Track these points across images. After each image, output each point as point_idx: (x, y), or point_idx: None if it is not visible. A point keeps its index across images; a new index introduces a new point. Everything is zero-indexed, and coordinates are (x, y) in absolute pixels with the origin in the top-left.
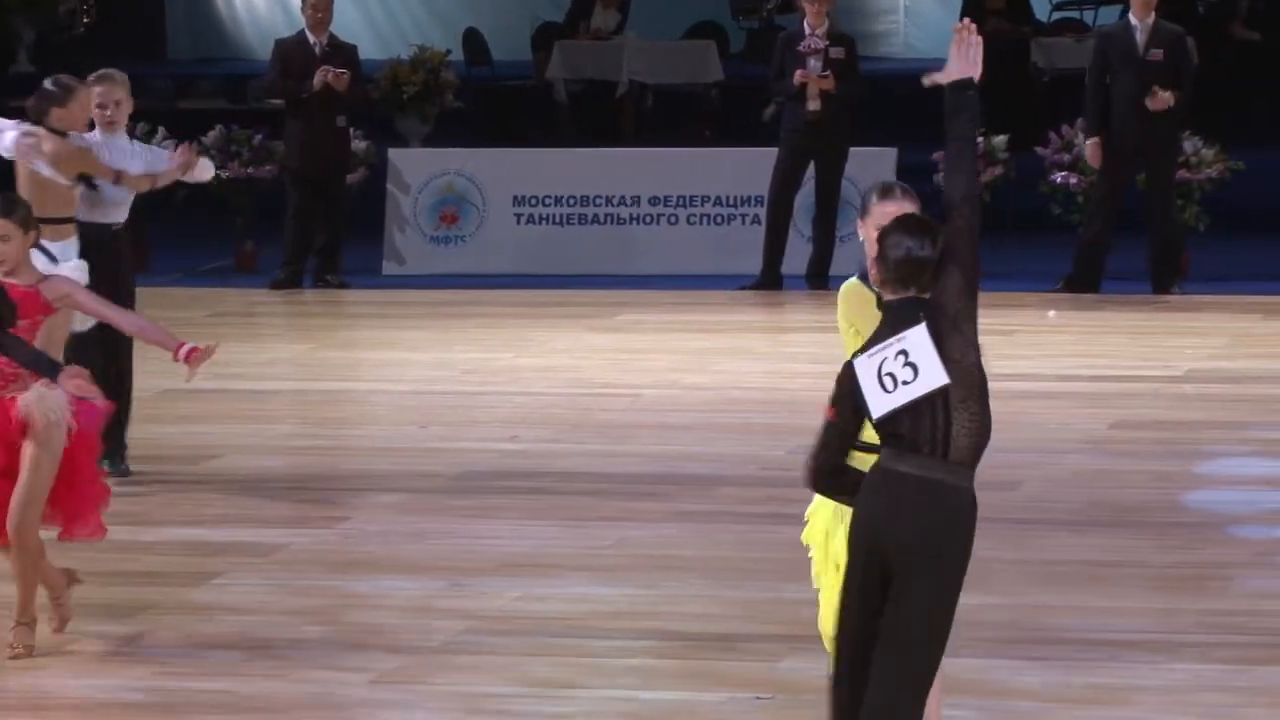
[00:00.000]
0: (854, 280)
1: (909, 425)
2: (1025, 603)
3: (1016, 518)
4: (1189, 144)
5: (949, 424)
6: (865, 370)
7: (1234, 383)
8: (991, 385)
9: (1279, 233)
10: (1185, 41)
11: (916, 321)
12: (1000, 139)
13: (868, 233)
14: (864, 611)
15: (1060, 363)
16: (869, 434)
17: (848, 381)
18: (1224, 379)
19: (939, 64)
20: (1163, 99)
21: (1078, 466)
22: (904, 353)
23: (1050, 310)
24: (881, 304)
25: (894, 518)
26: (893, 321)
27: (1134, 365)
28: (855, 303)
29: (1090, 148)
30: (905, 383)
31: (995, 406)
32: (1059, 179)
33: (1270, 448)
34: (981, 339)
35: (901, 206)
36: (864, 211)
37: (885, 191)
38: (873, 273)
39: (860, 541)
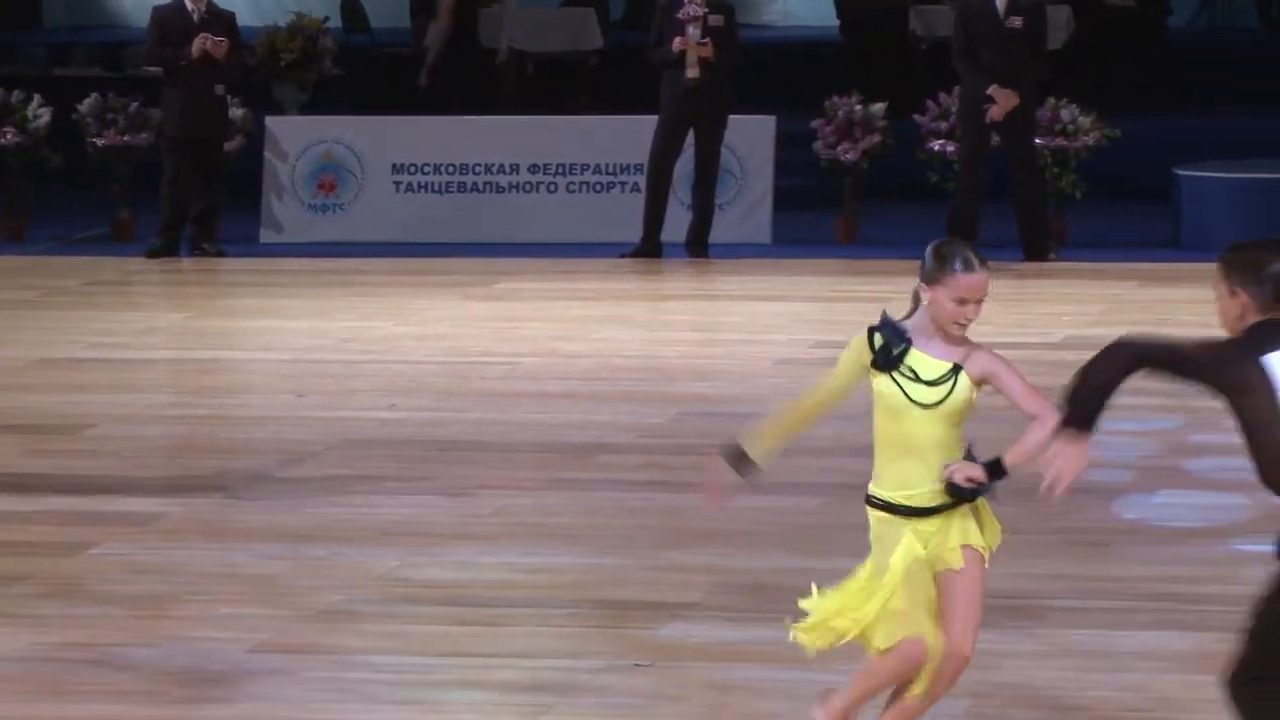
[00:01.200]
0: (861, 338)
1: None
2: None
3: None
4: (1066, 112)
5: None
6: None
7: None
8: None
9: (1156, 199)
10: (1043, 9)
11: None
12: (878, 106)
13: (936, 297)
14: None
15: None
16: (888, 493)
17: (1240, 366)
18: (1101, 345)
19: (819, 31)
20: (999, 109)
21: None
22: None
23: None
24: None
25: None
26: None
27: (1012, 332)
28: (851, 348)
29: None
30: None
31: None
32: (936, 146)
33: (1148, 414)
34: (860, 306)
35: (984, 277)
36: (936, 279)
37: (962, 259)
38: (954, 330)
39: None
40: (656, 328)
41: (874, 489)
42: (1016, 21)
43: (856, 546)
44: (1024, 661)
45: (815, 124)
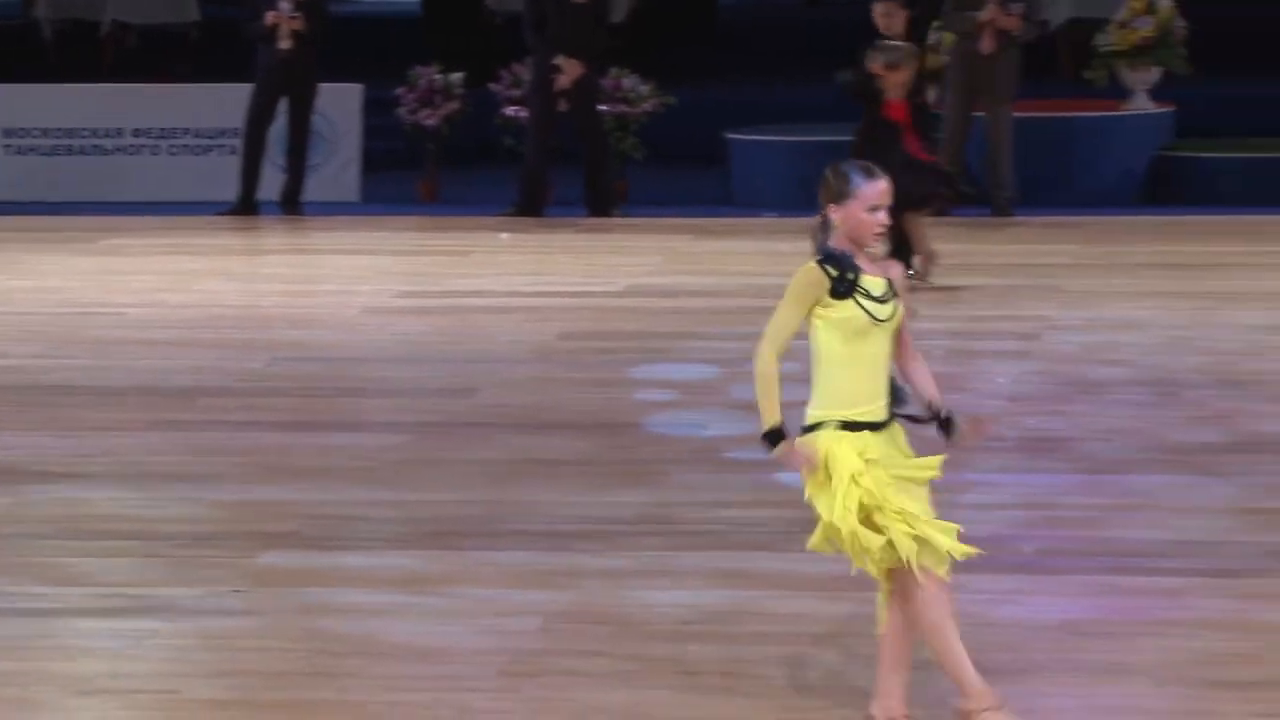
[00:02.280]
0: (811, 267)
1: None
2: (486, 498)
3: (474, 421)
4: (627, 81)
5: None
6: None
7: (669, 296)
8: (449, 302)
9: (709, 161)
10: None
11: None
12: (457, 76)
13: (850, 213)
14: None
15: (512, 280)
16: (845, 411)
17: None
18: (659, 293)
19: (401, 6)
20: (567, 78)
21: (528, 374)
22: None
23: (503, 233)
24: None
25: None
26: None
27: (578, 282)
28: (808, 284)
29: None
30: None
31: (451, 321)
32: (510, 113)
33: (700, 354)
34: (441, 259)
35: (885, 181)
36: (843, 193)
37: (867, 170)
38: (871, 243)
39: None
40: (254, 280)
41: (828, 414)
42: None
43: (434, 482)
44: (594, 581)
45: (399, 91)
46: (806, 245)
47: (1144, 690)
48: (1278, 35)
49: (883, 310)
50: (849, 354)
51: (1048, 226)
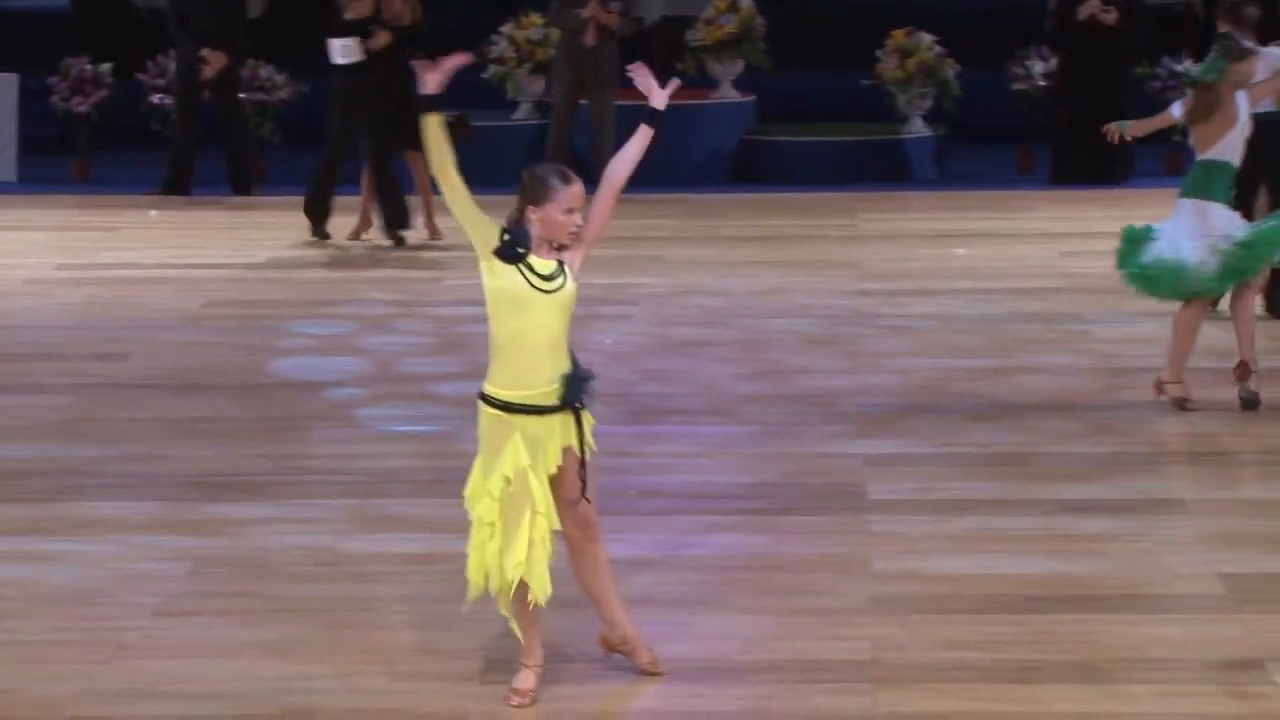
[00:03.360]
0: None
1: None
2: (141, 453)
3: (130, 383)
4: (265, 70)
5: None
6: None
7: (306, 268)
8: (104, 274)
9: None
10: None
11: None
12: (106, 66)
13: (547, 214)
14: None
15: (160, 254)
16: (505, 391)
17: None
18: (297, 265)
19: (51, 1)
20: (211, 69)
21: (178, 339)
22: None
23: (152, 210)
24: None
25: None
26: None
27: (222, 255)
28: (489, 229)
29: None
30: None
31: (105, 291)
32: (157, 100)
33: (335, 319)
34: (95, 235)
35: (580, 184)
36: (542, 196)
37: (562, 175)
38: (566, 241)
39: None
40: None
41: (490, 389)
42: None
43: (94, 439)
44: (240, 527)
45: (52, 81)
46: (436, 220)
47: (734, 619)
48: (846, 31)
49: (545, 284)
50: (515, 328)
51: (649, 203)
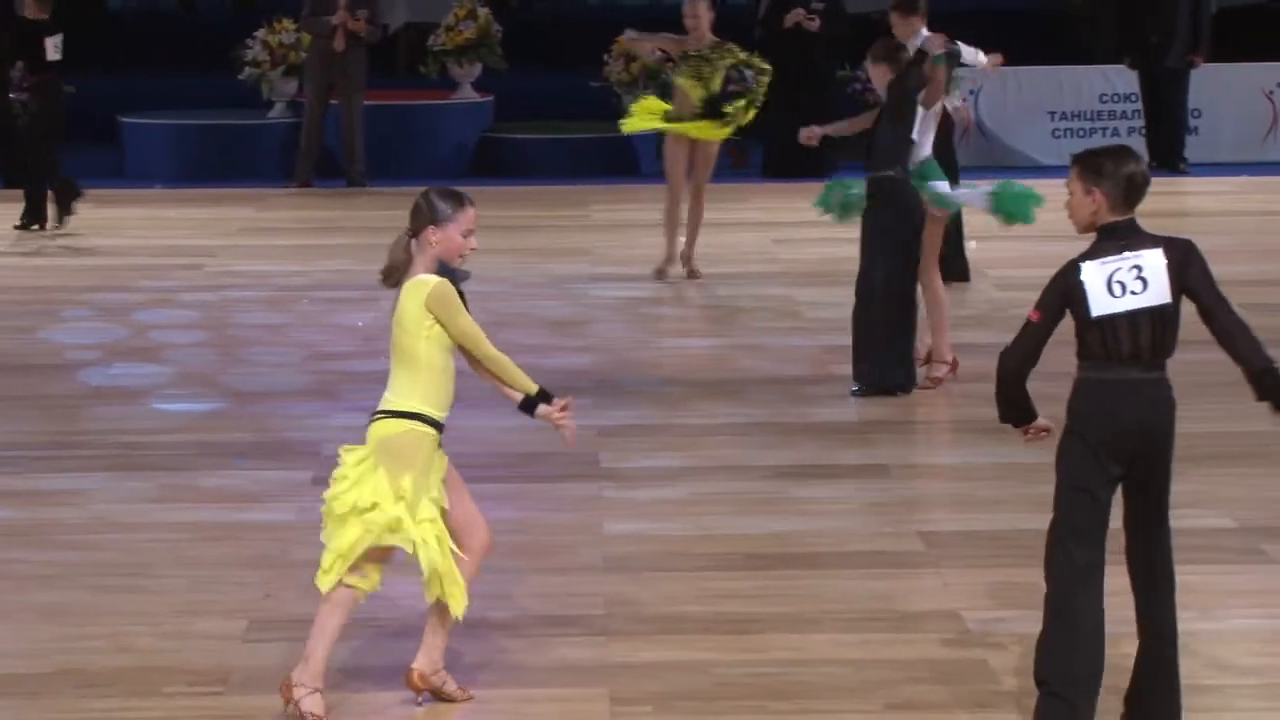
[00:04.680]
0: (441, 280)
1: (1126, 331)
2: None
3: None
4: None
5: (1162, 335)
6: (1094, 276)
7: (80, 255)
8: None
9: (106, 139)
10: None
11: (1155, 245)
12: None
13: (447, 235)
14: (1096, 514)
15: None
16: (441, 413)
17: (1062, 283)
18: (70, 253)
19: None
20: None
21: None
22: (1138, 268)
23: None
24: (1104, 226)
25: (1143, 417)
26: (1122, 238)
27: None
28: (454, 295)
29: None
30: (1133, 293)
31: None
32: None
33: (110, 305)
34: None
35: (474, 209)
36: (443, 218)
37: (460, 199)
38: (457, 263)
39: (1103, 448)
40: None
41: (424, 409)
42: None
43: None
44: (14, 499)
45: None
46: (192, 212)
47: (483, 579)
48: (576, 35)
49: None
50: (445, 362)
51: (397, 195)
